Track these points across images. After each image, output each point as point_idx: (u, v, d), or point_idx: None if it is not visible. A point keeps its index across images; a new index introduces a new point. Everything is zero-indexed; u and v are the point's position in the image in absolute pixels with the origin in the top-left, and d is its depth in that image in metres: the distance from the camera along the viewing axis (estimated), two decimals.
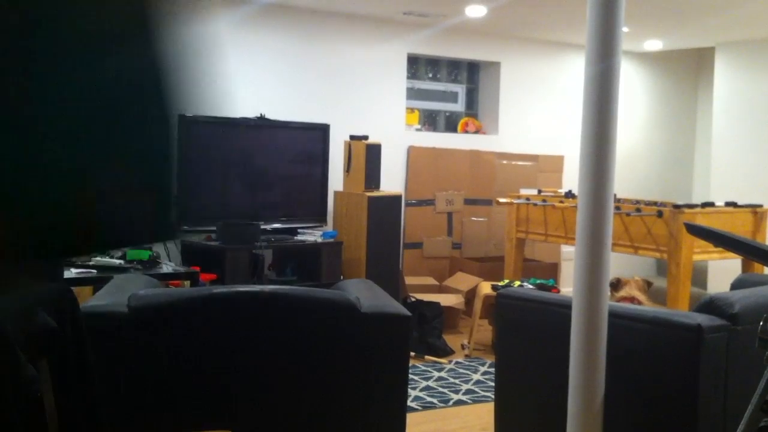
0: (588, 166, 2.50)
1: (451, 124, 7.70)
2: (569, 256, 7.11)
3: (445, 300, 6.05)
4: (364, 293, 2.99)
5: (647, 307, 3.50)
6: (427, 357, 5.43)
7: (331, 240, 6.06)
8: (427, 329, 5.60)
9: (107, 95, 0.82)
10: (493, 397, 3.97)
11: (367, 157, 6.25)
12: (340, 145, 6.40)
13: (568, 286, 7.05)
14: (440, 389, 4.75)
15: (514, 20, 6.79)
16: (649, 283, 4.87)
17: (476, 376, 5.04)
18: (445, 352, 5.54)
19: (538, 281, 5.61)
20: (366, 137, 6.35)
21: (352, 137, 6.36)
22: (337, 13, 6.60)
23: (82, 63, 0.80)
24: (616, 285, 4.74)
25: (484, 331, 5.99)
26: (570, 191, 6.24)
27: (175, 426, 2.63)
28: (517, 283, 5.59)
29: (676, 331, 2.70)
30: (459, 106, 7.77)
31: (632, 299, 4.58)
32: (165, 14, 0.84)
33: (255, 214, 6.00)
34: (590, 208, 2.50)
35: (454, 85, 7.73)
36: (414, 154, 7.06)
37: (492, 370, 3.55)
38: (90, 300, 2.83)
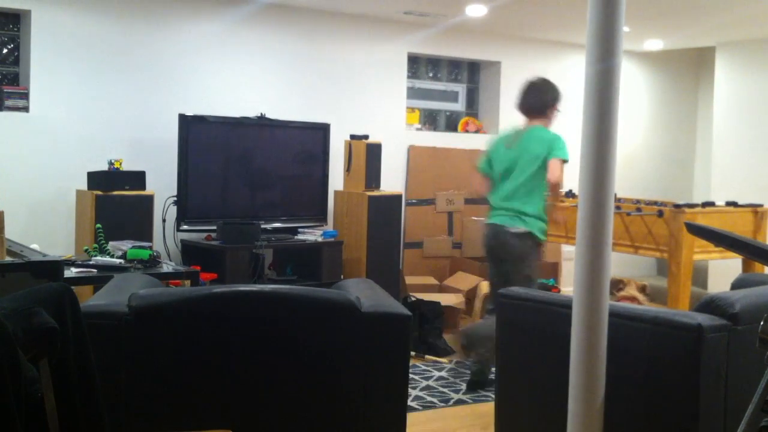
0: (588, 166, 2.49)
1: (451, 124, 7.70)
2: (569, 256, 7.10)
3: (446, 299, 6.04)
4: (364, 293, 2.99)
5: (647, 307, 3.49)
6: (427, 356, 5.43)
7: (332, 239, 6.06)
8: (427, 329, 5.60)
9: None
10: (493, 396, 3.97)
11: (368, 156, 6.25)
12: (341, 145, 6.40)
13: (568, 286, 7.05)
14: (440, 389, 4.75)
15: (515, 20, 6.78)
16: (643, 286, 4.87)
17: None
18: (446, 351, 5.54)
19: (539, 281, 5.60)
20: (366, 137, 6.35)
21: (353, 137, 6.36)
22: (337, 13, 6.60)
23: None
24: (616, 285, 4.74)
25: None
26: (570, 191, 6.24)
27: (175, 426, 2.63)
28: None
29: (677, 330, 2.70)
30: (459, 106, 7.76)
31: (632, 299, 4.58)
32: None
33: (255, 214, 6.00)
34: (590, 208, 2.50)
35: (454, 85, 7.73)
36: (414, 154, 7.06)
37: (492, 369, 3.56)
38: (90, 299, 2.83)
